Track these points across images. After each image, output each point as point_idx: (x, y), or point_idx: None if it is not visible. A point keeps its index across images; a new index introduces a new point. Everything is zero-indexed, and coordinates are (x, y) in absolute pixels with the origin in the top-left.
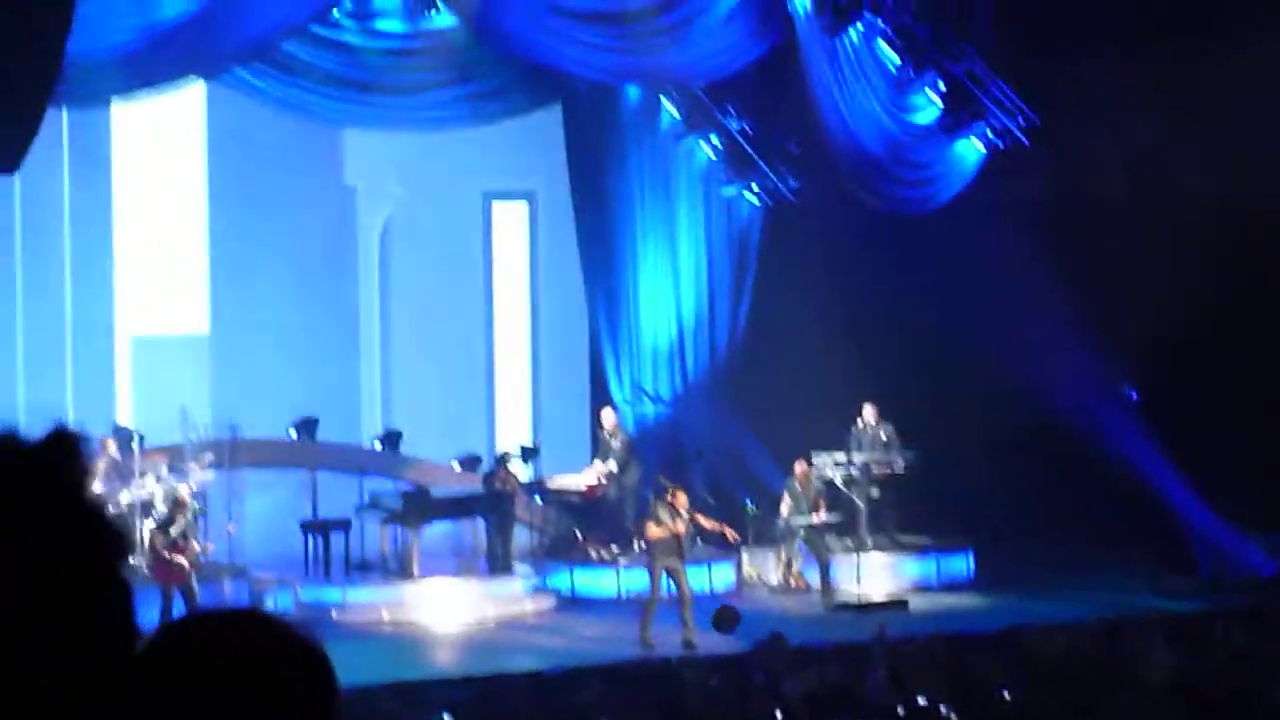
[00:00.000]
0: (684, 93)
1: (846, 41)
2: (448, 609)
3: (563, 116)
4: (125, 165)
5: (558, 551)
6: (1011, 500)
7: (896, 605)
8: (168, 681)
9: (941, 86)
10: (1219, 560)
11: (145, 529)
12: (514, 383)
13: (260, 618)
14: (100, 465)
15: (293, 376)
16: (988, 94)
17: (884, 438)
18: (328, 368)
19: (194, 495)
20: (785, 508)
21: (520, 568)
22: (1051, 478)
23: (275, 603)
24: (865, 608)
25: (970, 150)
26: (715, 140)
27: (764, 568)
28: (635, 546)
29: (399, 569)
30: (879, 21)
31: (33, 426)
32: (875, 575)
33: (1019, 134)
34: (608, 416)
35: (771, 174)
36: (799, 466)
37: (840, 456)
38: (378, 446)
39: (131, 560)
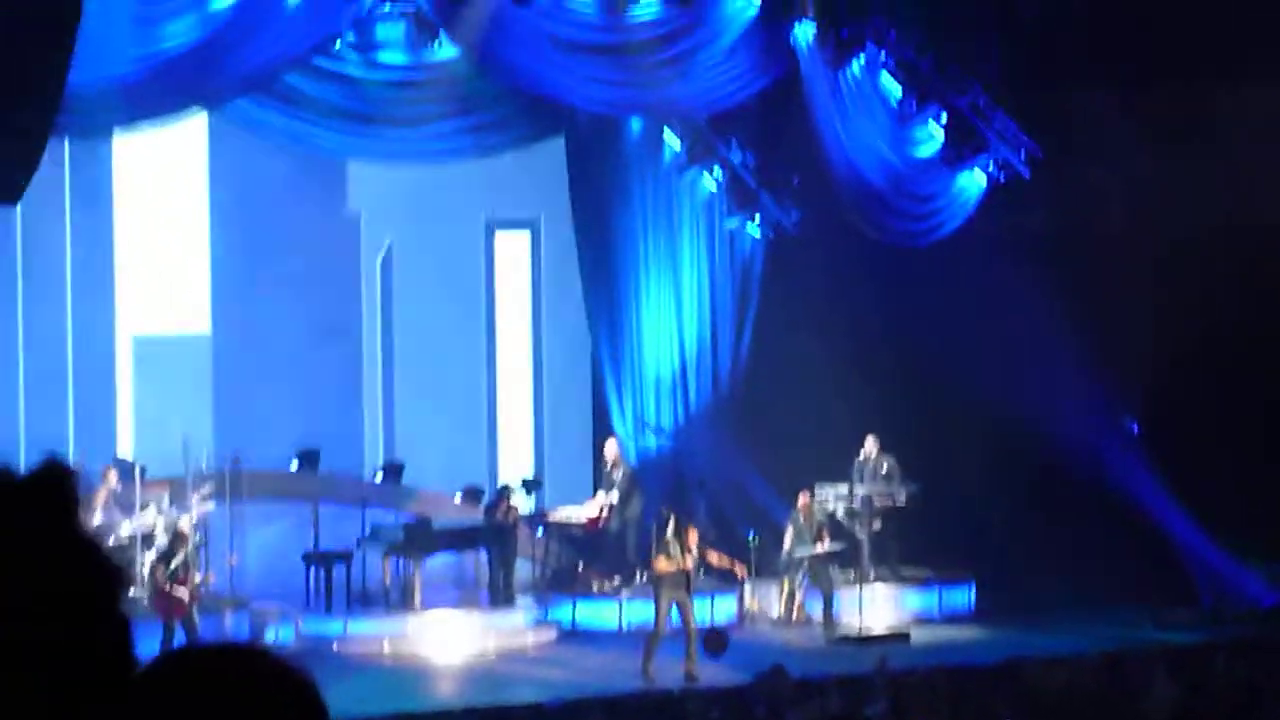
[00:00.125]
0: (686, 125)
1: (849, 74)
2: (449, 641)
3: (565, 148)
4: (127, 194)
5: (560, 583)
6: (1013, 532)
7: (898, 637)
8: (160, 715)
9: (944, 119)
10: (1220, 591)
11: (146, 561)
12: (516, 414)
13: (252, 651)
14: (101, 496)
15: (295, 407)
16: (990, 127)
17: (886, 470)
18: (330, 398)
19: (195, 527)
20: (788, 539)
21: (522, 600)
22: (1053, 509)
23: (277, 635)
24: (867, 640)
25: (972, 183)
26: (718, 172)
27: (766, 600)
28: (637, 578)
29: (401, 601)
30: (882, 54)
31: (34, 439)
32: (877, 607)
33: (1021, 167)
34: (610, 448)
35: (774, 206)
36: (802, 498)
37: (842, 489)
38: (379, 478)
39: (131, 592)
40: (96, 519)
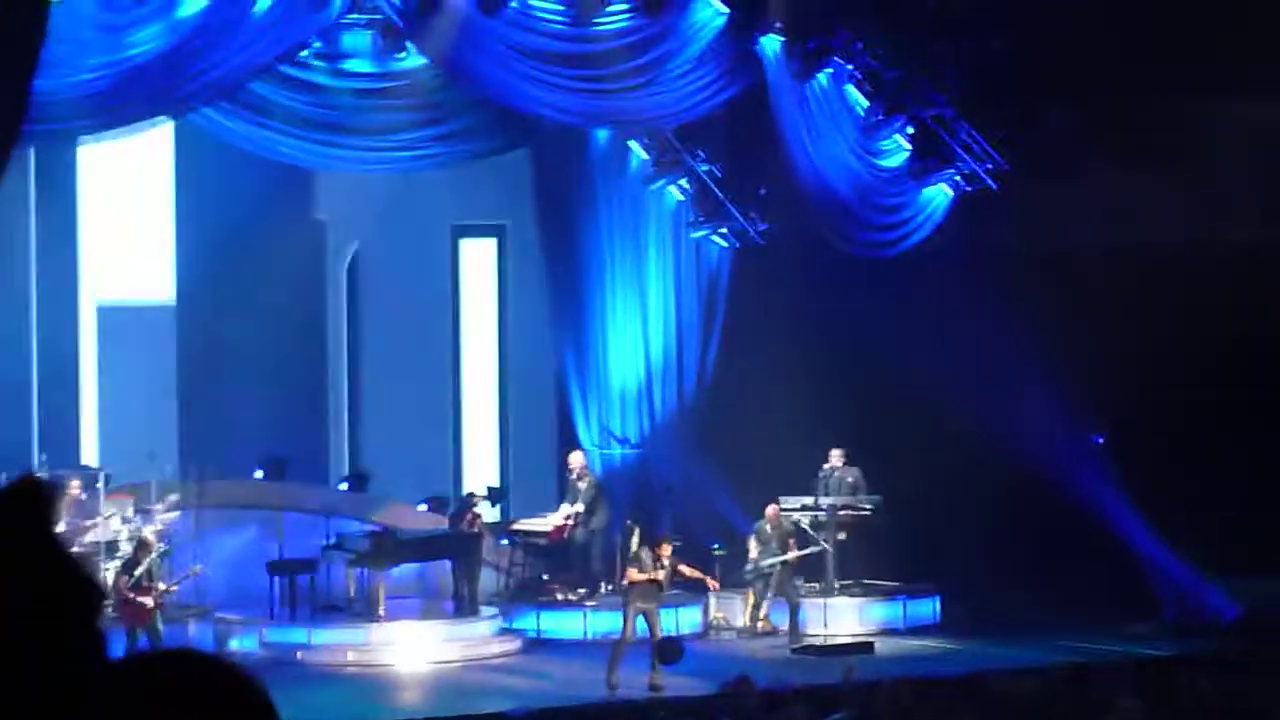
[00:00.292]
0: (653, 136)
1: (816, 86)
2: (414, 650)
3: (531, 159)
4: (92, 202)
5: (524, 593)
6: (977, 544)
7: (863, 648)
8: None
9: (910, 131)
10: (1182, 605)
11: (109, 570)
12: (481, 424)
13: (199, 656)
14: (64, 506)
15: (260, 416)
16: (956, 139)
17: (851, 481)
18: (295, 407)
19: (159, 536)
20: (754, 550)
21: (487, 609)
22: (1017, 522)
23: (240, 644)
24: (832, 650)
25: (939, 195)
26: (684, 183)
27: (731, 610)
28: (602, 589)
29: (365, 610)
30: (849, 66)
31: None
32: (842, 618)
33: (987, 179)
34: (575, 459)
35: (740, 217)
36: (771, 508)
37: (808, 500)
38: (344, 487)
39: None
40: (61, 527)
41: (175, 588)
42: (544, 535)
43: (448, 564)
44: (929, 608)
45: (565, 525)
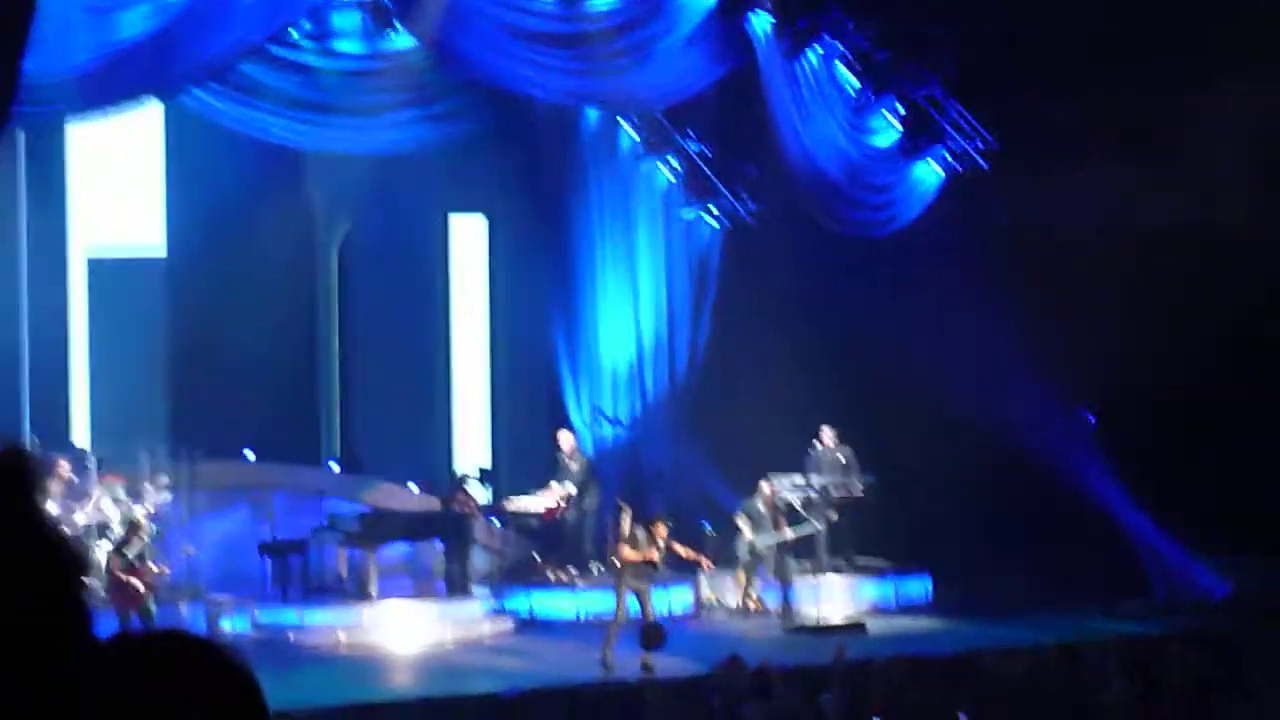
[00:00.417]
0: (643, 115)
1: (806, 65)
2: (405, 631)
3: (522, 139)
4: (81, 185)
5: (516, 574)
6: (969, 524)
7: (854, 628)
8: (96, 701)
9: (900, 110)
10: (1172, 583)
11: (101, 552)
12: (473, 404)
13: (186, 637)
14: (55, 487)
15: (251, 397)
16: (946, 118)
17: (843, 461)
18: (287, 389)
19: (150, 517)
20: (747, 528)
21: (478, 590)
22: (1008, 501)
23: (232, 625)
24: (823, 630)
25: (929, 174)
26: (674, 162)
27: (722, 590)
28: (594, 569)
29: (356, 591)
30: (838, 45)
31: None
32: (833, 598)
33: (978, 158)
34: (566, 439)
35: (730, 196)
36: (766, 486)
37: (799, 479)
38: (336, 468)
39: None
40: (52, 508)
41: (167, 569)
42: (535, 515)
43: (439, 544)
44: (920, 587)
45: (557, 505)
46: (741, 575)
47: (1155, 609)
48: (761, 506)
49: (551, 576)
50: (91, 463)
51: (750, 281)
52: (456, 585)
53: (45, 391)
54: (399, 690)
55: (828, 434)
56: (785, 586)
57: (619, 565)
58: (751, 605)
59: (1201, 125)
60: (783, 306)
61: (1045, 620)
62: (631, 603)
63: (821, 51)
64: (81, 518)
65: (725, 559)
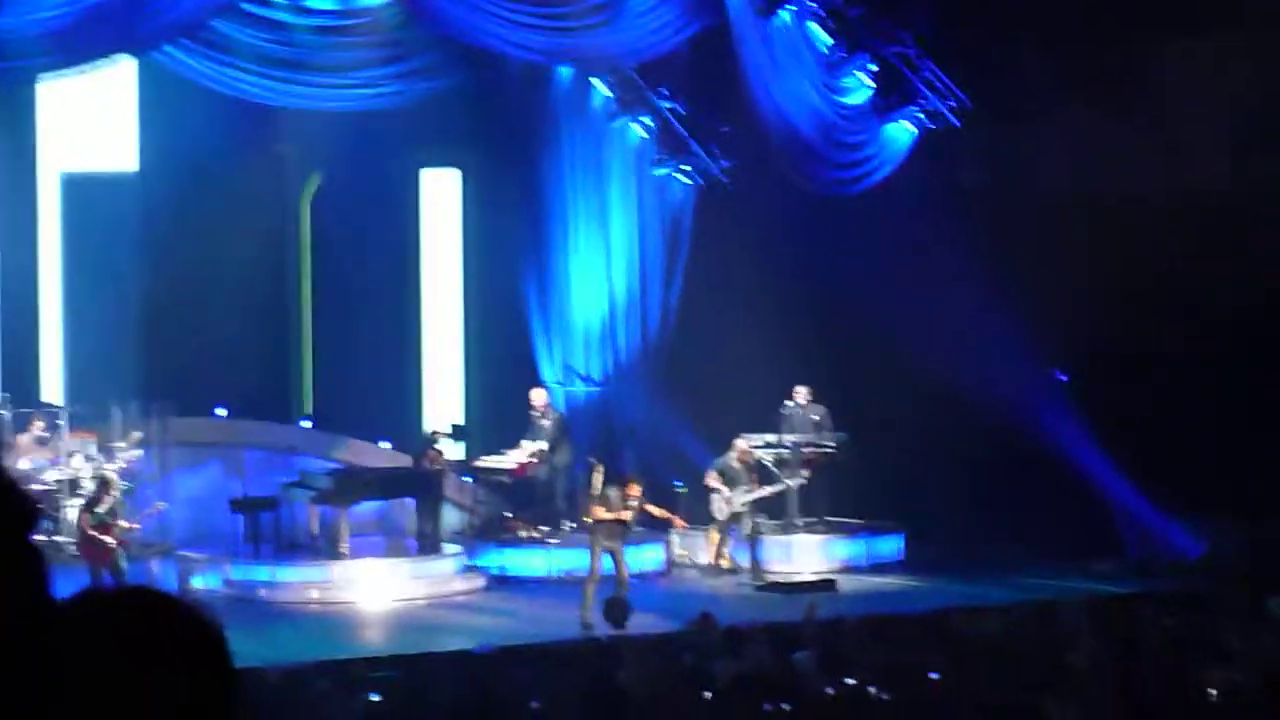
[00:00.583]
0: (616, 73)
1: (778, 23)
2: (377, 588)
3: (494, 96)
4: (53, 139)
5: (487, 531)
6: (941, 482)
7: (825, 586)
8: (62, 656)
9: (873, 68)
10: (1146, 543)
11: (72, 508)
12: (445, 361)
13: (153, 593)
14: (27, 444)
15: (223, 353)
16: (919, 76)
17: (816, 419)
18: (258, 345)
19: (122, 474)
20: (721, 485)
21: (450, 547)
22: (981, 460)
23: (204, 582)
24: (795, 588)
25: (902, 132)
26: (647, 120)
27: (694, 548)
28: (565, 526)
29: (328, 548)
30: (811, 3)
31: None
32: (805, 556)
33: (950, 116)
34: (538, 396)
35: (703, 154)
36: (741, 444)
37: (771, 437)
38: (307, 425)
39: (59, 538)
40: (24, 465)
41: (138, 526)
42: (507, 473)
43: (410, 502)
44: (893, 545)
45: (528, 463)
46: (714, 533)
47: (1130, 569)
48: (736, 464)
49: (523, 534)
50: (63, 419)
51: (723, 239)
52: (428, 542)
53: (15, 347)
54: (371, 647)
55: (801, 392)
56: (756, 544)
57: (591, 524)
58: (724, 563)
59: (1179, 84)
60: (755, 264)
61: (1019, 579)
62: (606, 561)
63: (794, 9)
64: (53, 475)
65: (697, 517)
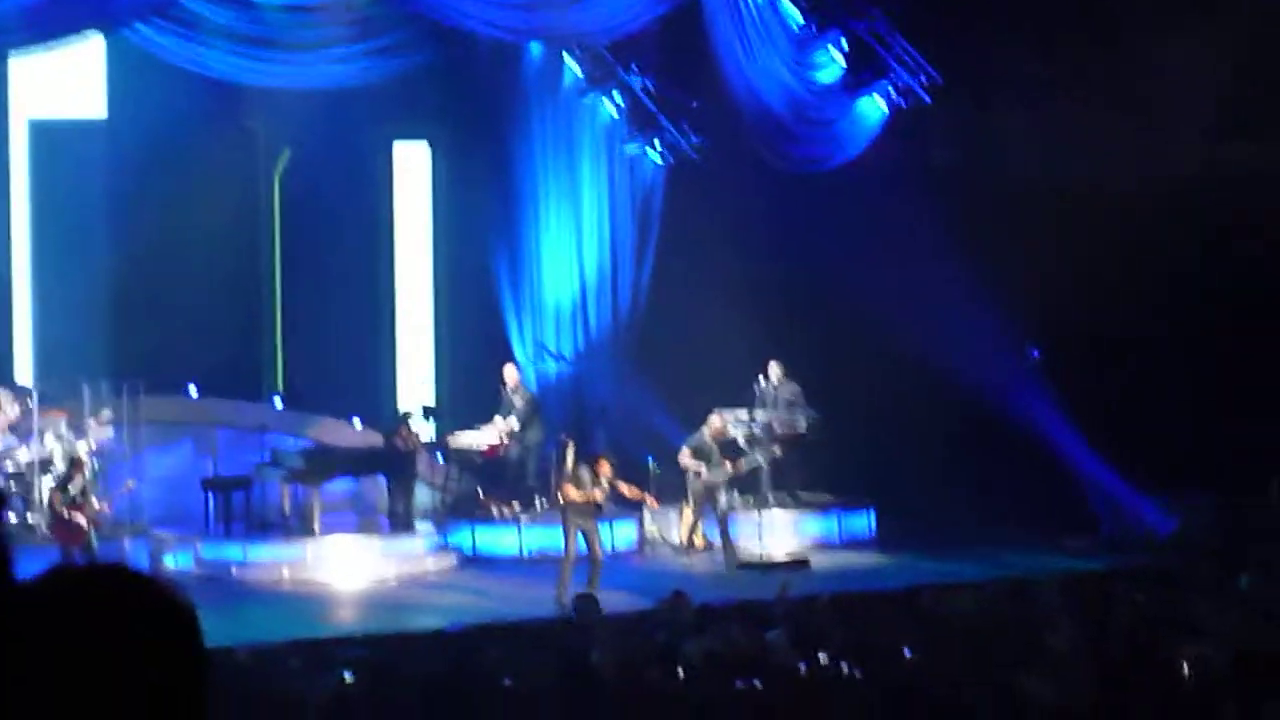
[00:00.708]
0: (586, 50)
1: None
2: (349, 567)
3: (465, 74)
4: (23, 113)
5: (459, 509)
6: (914, 459)
7: (798, 564)
8: (28, 634)
9: (844, 44)
10: (1119, 520)
11: (44, 488)
12: (417, 339)
13: (123, 571)
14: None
15: (194, 331)
16: (890, 52)
17: (789, 396)
18: (228, 322)
19: (93, 453)
20: (695, 463)
21: (422, 525)
22: (953, 437)
23: (176, 561)
24: (767, 566)
25: (873, 109)
26: (618, 98)
27: (666, 526)
28: (537, 504)
29: (300, 527)
30: None
31: None
32: (777, 533)
33: (921, 92)
34: (510, 374)
35: (674, 131)
36: (716, 420)
37: (743, 414)
38: (279, 404)
39: (30, 519)
40: None
41: (109, 505)
42: (479, 451)
43: (382, 480)
44: (864, 522)
45: (500, 441)
46: (688, 512)
47: (1102, 545)
48: (709, 440)
49: (495, 512)
50: (33, 398)
51: (694, 217)
52: (400, 521)
53: None
54: (342, 626)
55: (775, 370)
56: (728, 522)
57: (563, 503)
58: (697, 541)
59: (1152, 63)
60: (727, 242)
61: (991, 556)
62: (580, 541)
63: None
64: (24, 454)
65: (669, 495)
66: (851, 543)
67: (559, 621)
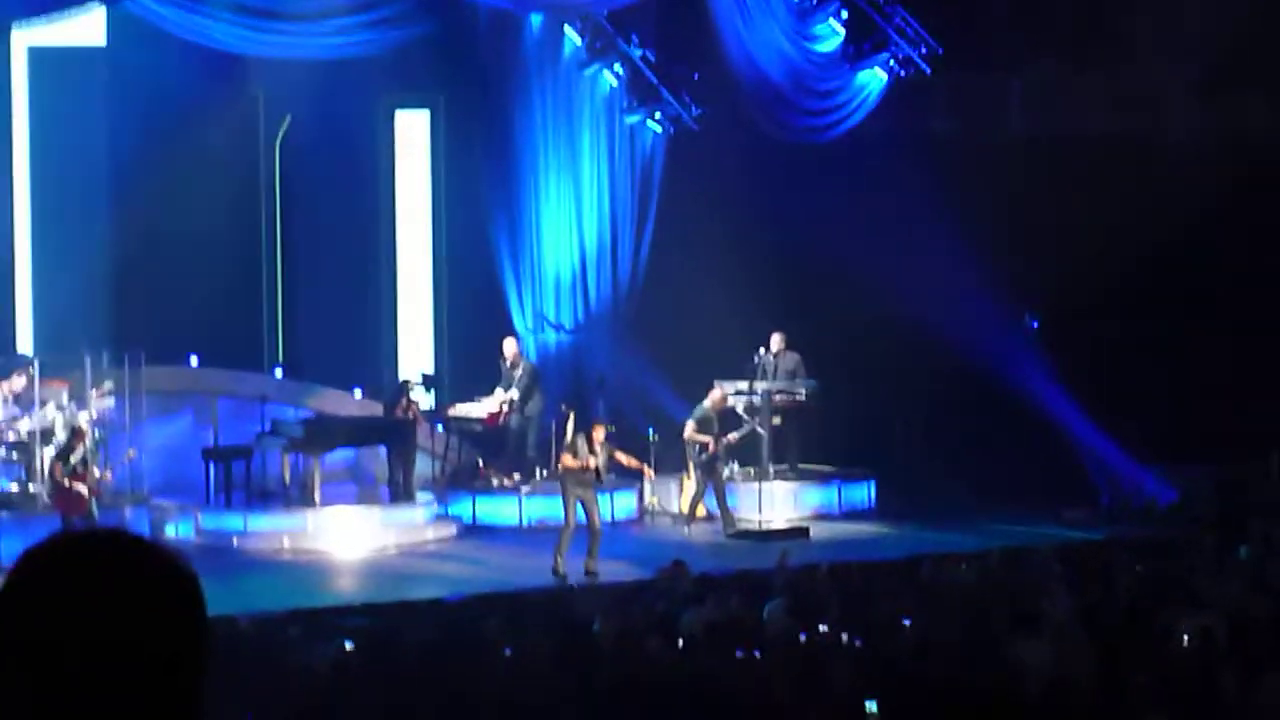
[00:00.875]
0: (587, 20)
1: None
2: (349, 537)
3: (466, 44)
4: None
5: (459, 480)
6: (913, 429)
7: (797, 533)
8: (29, 598)
9: (844, 15)
10: (1117, 490)
11: (45, 457)
12: (417, 310)
13: (125, 536)
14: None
15: (195, 301)
16: (890, 23)
17: (790, 367)
18: (229, 292)
19: (94, 423)
20: (697, 435)
21: (422, 496)
22: (953, 407)
23: (176, 530)
24: (766, 535)
25: (873, 79)
26: (618, 68)
27: (666, 496)
28: (537, 475)
29: (300, 496)
30: None
31: None
32: (777, 503)
33: (921, 63)
34: (509, 345)
35: (674, 101)
36: (716, 391)
37: (743, 384)
38: (279, 374)
39: (31, 488)
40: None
41: (110, 475)
42: (479, 421)
43: (383, 450)
44: (864, 492)
45: (500, 411)
46: (690, 482)
47: (1101, 516)
48: (711, 412)
49: (495, 482)
50: (35, 369)
51: (694, 186)
52: (400, 491)
53: None
54: (342, 595)
55: (776, 340)
56: (727, 492)
57: (561, 473)
58: (699, 512)
59: (1148, 32)
60: (726, 211)
61: (990, 526)
62: (579, 510)
63: None
64: (25, 424)
65: (668, 465)
66: (851, 513)
67: (559, 590)
